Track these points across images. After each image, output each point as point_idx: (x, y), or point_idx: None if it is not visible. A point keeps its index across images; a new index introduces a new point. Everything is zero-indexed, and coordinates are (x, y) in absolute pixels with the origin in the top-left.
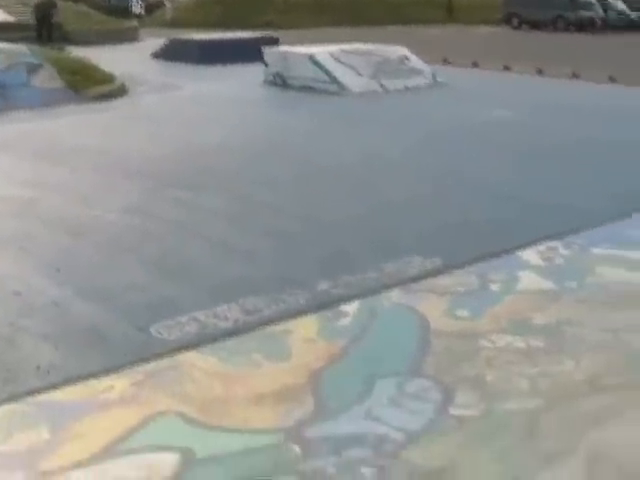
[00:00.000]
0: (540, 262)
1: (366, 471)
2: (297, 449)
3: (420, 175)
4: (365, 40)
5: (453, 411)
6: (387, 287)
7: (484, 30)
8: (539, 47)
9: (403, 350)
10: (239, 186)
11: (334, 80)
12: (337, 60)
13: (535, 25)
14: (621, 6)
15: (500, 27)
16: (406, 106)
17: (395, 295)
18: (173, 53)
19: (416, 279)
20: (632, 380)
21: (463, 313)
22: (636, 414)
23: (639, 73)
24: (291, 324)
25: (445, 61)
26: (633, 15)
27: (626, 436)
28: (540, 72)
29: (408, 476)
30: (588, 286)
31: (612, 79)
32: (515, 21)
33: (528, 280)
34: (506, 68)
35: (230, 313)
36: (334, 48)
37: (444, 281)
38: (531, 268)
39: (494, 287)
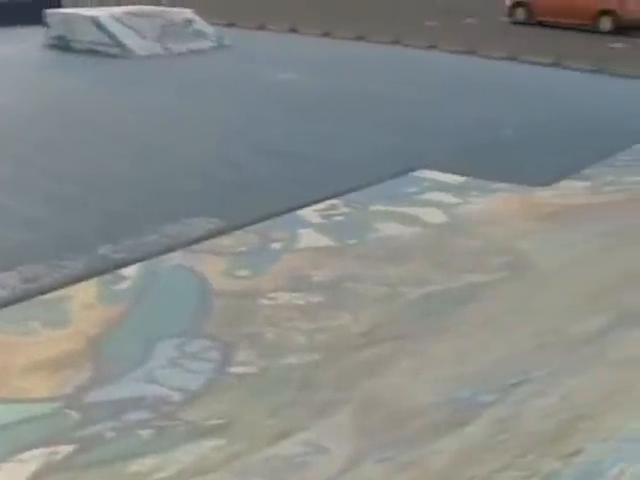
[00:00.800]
0: (320, 220)
1: (144, 433)
2: (76, 416)
3: (203, 136)
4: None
5: (232, 369)
6: (168, 249)
7: None
8: (326, 9)
9: (183, 311)
10: (17, 150)
11: (117, 43)
12: (121, 22)
13: None
14: None
15: None
16: (191, 69)
17: (175, 257)
18: None
19: (197, 240)
20: (407, 331)
21: (243, 272)
22: (409, 362)
23: (422, 34)
24: (70, 290)
25: (232, 23)
26: None
27: (397, 383)
28: (326, 34)
29: (186, 435)
30: (367, 242)
31: (397, 41)
32: None
33: (308, 238)
34: (293, 30)
35: (8, 281)
36: (118, 10)
37: (225, 242)
38: (311, 226)
39: (274, 246)
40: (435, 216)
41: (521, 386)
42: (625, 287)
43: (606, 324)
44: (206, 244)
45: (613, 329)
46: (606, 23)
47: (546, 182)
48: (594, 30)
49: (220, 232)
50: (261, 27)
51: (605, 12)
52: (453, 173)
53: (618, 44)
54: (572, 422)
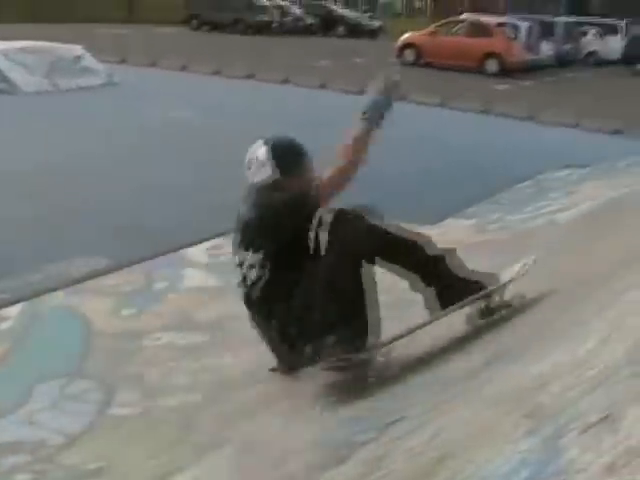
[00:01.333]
0: (206, 259)
1: (22, 478)
2: None
3: (89, 177)
4: (43, 38)
5: (113, 411)
6: (51, 289)
7: (165, 30)
8: (218, 48)
9: (66, 352)
10: None
11: (4, 79)
12: (8, 58)
13: (215, 27)
14: (297, 11)
15: (181, 28)
16: (79, 106)
17: (59, 297)
18: None
19: (81, 280)
20: None
21: (127, 312)
22: (288, 403)
23: (314, 74)
24: None
25: (123, 60)
26: (309, 20)
27: (277, 424)
28: (217, 72)
29: (64, 479)
30: None
31: (286, 80)
32: (195, 22)
33: (194, 277)
34: (184, 68)
35: None
36: (5, 45)
37: (110, 281)
38: (197, 266)
39: (159, 285)
40: None
41: (397, 425)
42: (503, 325)
43: (484, 361)
44: (90, 283)
45: (490, 365)
46: (492, 65)
47: (432, 221)
48: (481, 72)
49: (105, 271)
50: (152, 64)
51: (491, 55)
52: None
53: (503, 86)
54: (439, 460)
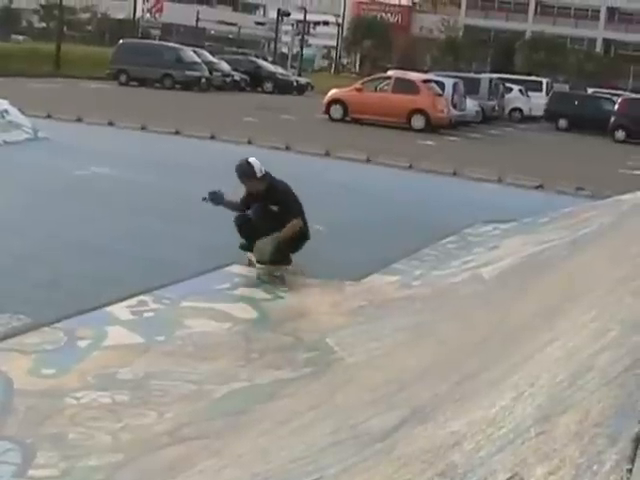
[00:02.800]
0: (130, 317)
1: None
2: None
3: (11, 233)
4: None
5: (32, 472)
6: None
7: (93, 85)
8: (145, 104)
9: None
10: None
11: None
12: None
13: (144, 82)
14: (226, 67)
15: (109, 83)
16: (2, 161)
17: None
18: None
19: (2, 338)
20: (210, 429)
21: (49, 371)
22: (210, 462)
23: (241, 130)
24: None
25: (49, 115)
26: (237, 77)
27: None
28: (144, 128)
29: None
30: (175, 338)
31: (214, 136)
32: (123, 77)
33: (117, 335)
34: (110, 123)
35: None
36: None
37: (31, 339)
38: (120, 323)
39: (81, 344)
40: (245, 312)
41: None
42: (421, 381)
43: (400, 419)
44: (11, 342)
45: (405, 424)
46: (418, 121)
47: (356, 277)
48: (407, 128)
49: (26, 329)
50: (79, 119)
51: (417, 111)
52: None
53: (429, 141)
54: None
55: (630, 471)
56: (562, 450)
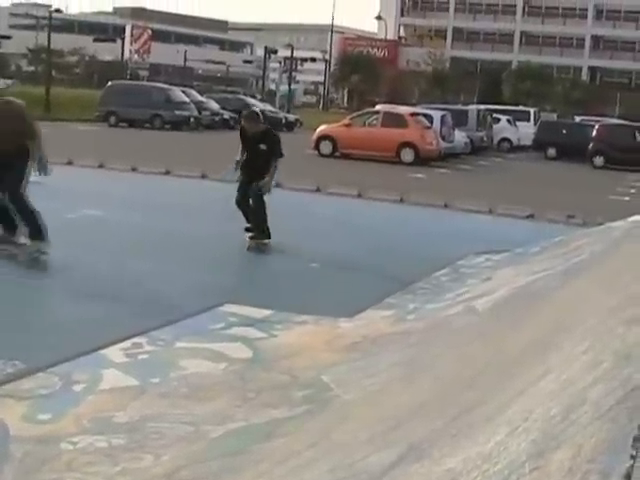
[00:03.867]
0: (124, 359)
1: None
2: None
3: None
4: None
5: None
6: None
7: (82, 127)
8: (135, 145)
9: None
10: None
11: None
12: None
13: (132, 123)
14: (215, 106)
15: (98, 125)
16: None
17: None
18: None
19: None
20: (207, 471)
21: (44, 416)
22: None
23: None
24: None
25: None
26: (226, 115)
27: None
28: (134, 169)
29: None
30: (171, 380)
31: (204, 175)
32: (113, 119)
33: (112, 378)
34: (101, 166)
35: None
36: None
37: (25, 385)
38: (115, 366)
39: (77, 388)
40: (240, 351)
41: None
42: (417, 417)
43: (397, 456)
44: (5, 388)
45: (403, 461)
46: (408, 155)
47: (350, 313)
48: (397, 162)
49: (21, 375)
50: (69, 162)
51: (406, 144)
52: (258, 307)
53: (419, 174)
54: None
55: None
56: None
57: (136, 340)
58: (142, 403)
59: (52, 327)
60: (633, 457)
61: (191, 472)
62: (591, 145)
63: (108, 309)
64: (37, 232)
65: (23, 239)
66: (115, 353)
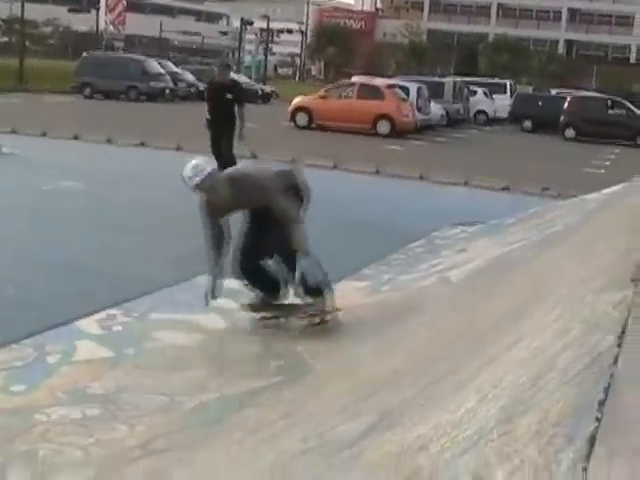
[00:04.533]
0: (99, 331)
1: None
2: None
3: None
4: None
5: None
6: None
7: (56, 99)
8: (110, 116)
9: None
10: None
11: None
12: None
13: (108, 95)
14: (190, 78)
15: (73, 96)
16: None
17: None
18: None
19: None
20: (182, 441)
21: (18, 388)
22: (182, 474)
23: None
24: None
25: (14, 131)
26: (202, 86)
27: None
28: (109, 140)
29: None
30: (146, 351)
31: (179, 147)
32: (88, 90)
33: (86, 349)
34: (76, 137)
35: None
36: None
37: (0, 357)
38: (90, 337)
39: (51, 359)
40: (216, 322)
41: None
42: (389, 387)
43: (369, 425)
44: None
45: (374, 429)
46: (384, 127)
47: None
48: (373, 134)
49: None
50: (43, 134)
51: (382, 116)
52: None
53: (395, 146)
54: None
55: (585, 470)
56: (522, 450)
57: (111, 312)
58: (117, 374)
59: (26, 300)
60: (598, 420)
61: (166, 442)
62: (562, 117)
63: (82, 282)
64: None
65: None
66: (90, 325)
